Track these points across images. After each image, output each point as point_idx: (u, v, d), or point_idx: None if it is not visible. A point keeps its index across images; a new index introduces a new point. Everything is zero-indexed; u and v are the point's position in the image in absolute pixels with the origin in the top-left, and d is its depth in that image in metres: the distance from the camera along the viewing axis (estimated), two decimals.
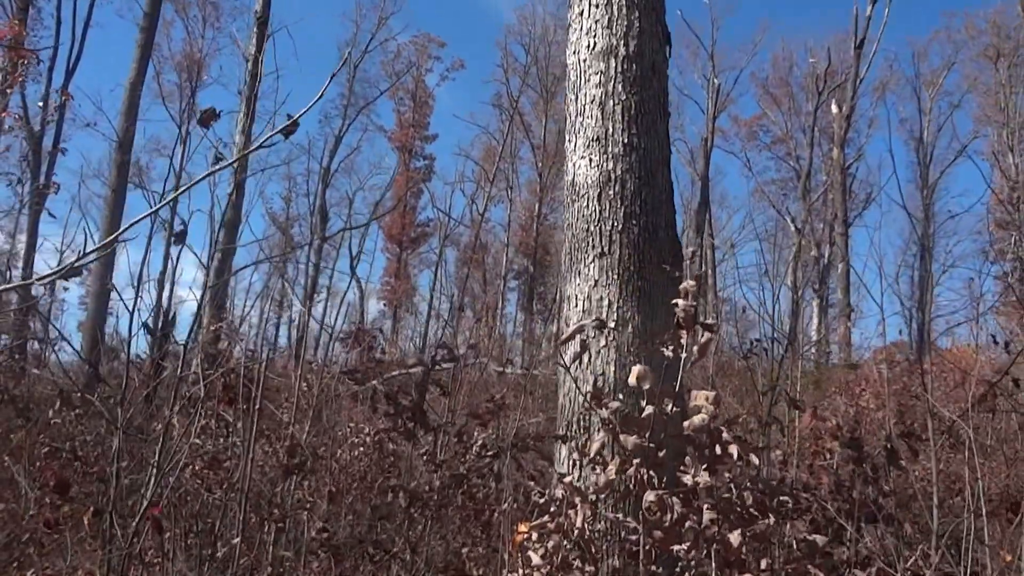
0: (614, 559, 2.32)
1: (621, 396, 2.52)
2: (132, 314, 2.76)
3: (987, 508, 2.81)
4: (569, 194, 2.93)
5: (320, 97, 1.51)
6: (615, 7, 3.00)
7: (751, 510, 2.21)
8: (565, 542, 2.24)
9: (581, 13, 3.10)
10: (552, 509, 2.33)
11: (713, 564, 2.03)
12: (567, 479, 2.37)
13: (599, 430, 2.41)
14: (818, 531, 2.70)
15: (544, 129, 26.53)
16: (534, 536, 2.30)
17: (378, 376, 4.16)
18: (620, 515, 2.29)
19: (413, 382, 3.96)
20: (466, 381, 5.37)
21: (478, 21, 48.60)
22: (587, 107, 2.95)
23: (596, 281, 2.73)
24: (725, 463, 2.22)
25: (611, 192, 2.79)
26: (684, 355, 2.24)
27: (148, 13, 11.27)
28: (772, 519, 2.25)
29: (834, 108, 23.33)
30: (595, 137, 2.89)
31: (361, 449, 4.00)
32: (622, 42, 2.96)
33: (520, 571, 2.26)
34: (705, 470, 2.16)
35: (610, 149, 2.85)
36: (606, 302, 2.68)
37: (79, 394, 4.07)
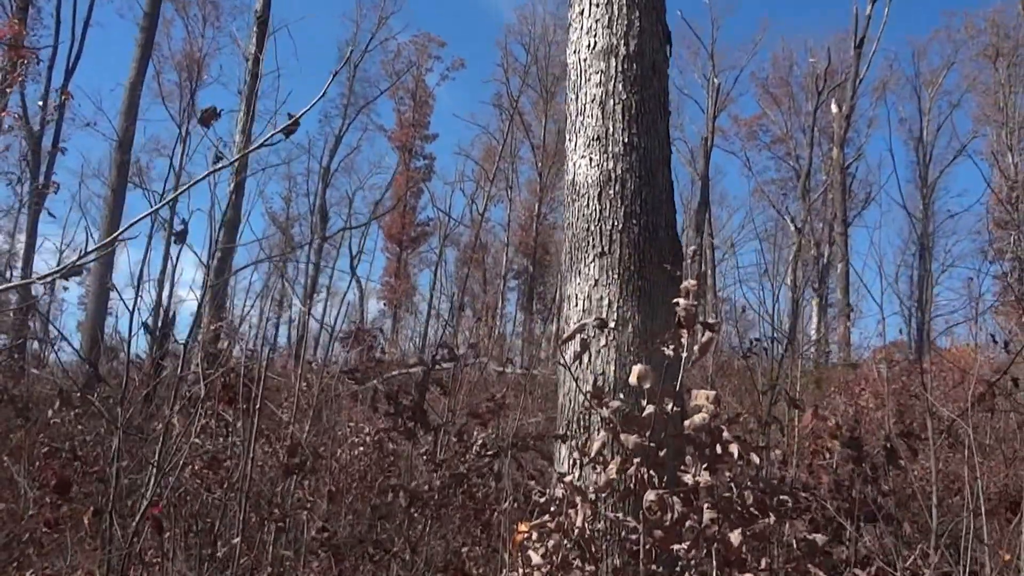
0: (614, 558, 2.32)
1: (621, 395, 2.52)
2: (132, 314, 2.77)
3: (986, 507, 2.81)
4: (569, 193, 2.93)
5: (322, 96, 1.51)
6: (615, 6, 3.00)
7: (751, 509, 2.21)
8: (565, 541, 2.24)
9: (581, 12, 3.10)
10: (552, 508, 2.33)
11: (713, 563, 2.03)
12: (567, 478, 2.36)
13: (599, 429, 2.41)
14: (818, 530, 2.70)
15: (544, 129, 26.54)
16: (534, 536, 2.30)
17: (378, 376, 4.16)
18: (620, 514, 2.29)
19: (413, 382, 3.96)
20: (466, 381, 5.37)
21: (478, 21, 48.64)
22: (587, 106, 2.95)
23: (596, 280, 2.73)
24: (725, 462, 2.22)
25: (611, 191, 2.79)
26: (685, 354, 2.24)
27: (148, 12, 11.29)
28: (772, 518, 2.25)
29: (834, 108, 23.32)
30: (595, 136, 2.89)
31: (361, 449, 4.00)
32: (622, 41, 2.96)
33: (520, 571, 2.26)
34: (705, 469, 2.16)
35: (610, 148, 2.84)
36: (606, 301, 2.68)
37: (79, 394, 4.06)
